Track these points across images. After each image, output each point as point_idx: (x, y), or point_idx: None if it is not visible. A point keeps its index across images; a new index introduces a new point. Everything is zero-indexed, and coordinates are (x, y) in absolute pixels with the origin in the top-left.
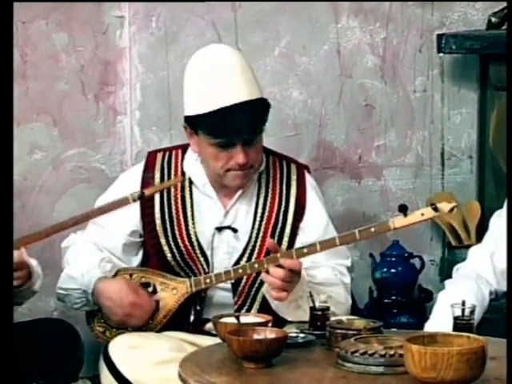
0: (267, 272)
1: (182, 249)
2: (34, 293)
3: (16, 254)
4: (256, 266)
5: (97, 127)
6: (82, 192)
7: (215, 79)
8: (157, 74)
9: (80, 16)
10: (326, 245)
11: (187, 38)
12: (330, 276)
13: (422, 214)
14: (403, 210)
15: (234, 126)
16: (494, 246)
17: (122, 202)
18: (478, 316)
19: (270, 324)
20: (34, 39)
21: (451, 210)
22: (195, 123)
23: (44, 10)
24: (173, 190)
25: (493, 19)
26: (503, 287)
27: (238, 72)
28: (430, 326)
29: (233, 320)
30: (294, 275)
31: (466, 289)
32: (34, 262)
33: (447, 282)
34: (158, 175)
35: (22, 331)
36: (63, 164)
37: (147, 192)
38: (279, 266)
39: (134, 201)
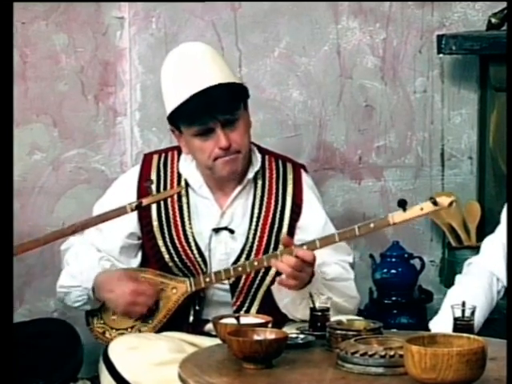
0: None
1: (180, 250)
2: None
3: None
4: (256, 263)
5: (97, 128)
6: (82, 193)
7: (186, 70)
8: (157, 74)
9: (80, 17)
10: (326, 241)
11: (187, 39)
12: (341, 271)
13: (422, 209)
14: (402, 204)
15: (209, 108)
16: (506, 237)
17: (120, 212)
18: (484, 317)
19: (269, 325)
20: (33, 40)
21: (450, 204)
22: (176, 119)
23: (44, 11)
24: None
25: (493, 20)
26: None
27: (208, 60)
28: (437, 323)
29: (233, 321)
30: (305, 266)
31: (475, 288)
32: None
33: (458, 278)
34: (154, 177)
35: (21, 331)
36: (63, 165)
37: (145, 201)
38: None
39: (132, 210)
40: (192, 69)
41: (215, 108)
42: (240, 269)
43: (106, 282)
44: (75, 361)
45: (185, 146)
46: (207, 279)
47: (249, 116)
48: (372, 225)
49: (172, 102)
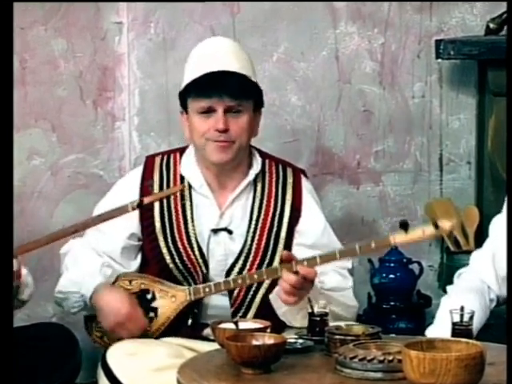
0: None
1: (181, 251)
2: (23, 303)
3: (15, 263)
4: (255, 276)
5: (95, 133)
6: (81, 198)
7: (209, 55)
8: (155, 79)
9: (78, 22)
10: (326, 258)
11: (186, 44)
12: (339, 280)
13: (423, 232)
14: (404, 226)
15: (218, 86)
16: (495, 249)
17: (121, 210)
18: (480, 324)
19: (268, 330)
20: (32, 45)
21: (452, 227)
22: (186, 94)
23: (43, 16)
24: (172, 196)
25: (491, 25)
26: (505, 293)
27: (232, 52)
28: (433, 332)
29: (231, 326)
30: (306, 283)
31: (469, 295)
32: (24, 271)
33: (450, 288)
34: (157, 179)
35: (20, 335)
36: (62, 170)
37: (146, 200)
38: (293, 272)
39: (134, 209)
40: (214, 54)
41: (224, 88)
42: (240, 281)
43: (107, 295)
44: (73, 365)
45: (187, 127)
46: (207, 289)
47: (257, 121)
48: (373, 244)
49: (187, 77)
